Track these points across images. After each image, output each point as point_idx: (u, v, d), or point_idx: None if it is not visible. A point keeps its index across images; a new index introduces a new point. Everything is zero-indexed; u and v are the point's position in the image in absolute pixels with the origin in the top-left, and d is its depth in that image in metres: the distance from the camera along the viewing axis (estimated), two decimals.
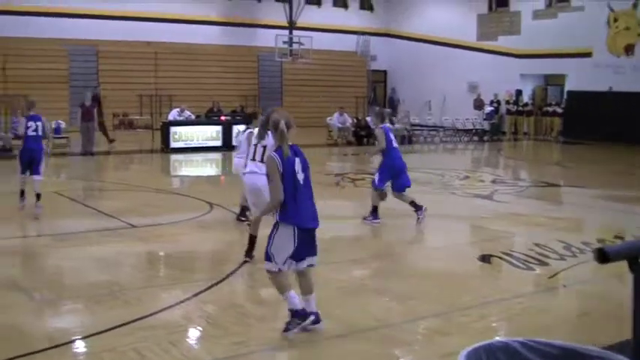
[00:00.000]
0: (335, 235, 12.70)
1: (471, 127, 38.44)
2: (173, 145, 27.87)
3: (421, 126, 38.48)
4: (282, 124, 7.16)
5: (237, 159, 13.86)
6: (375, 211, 13.99)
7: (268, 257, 7.23)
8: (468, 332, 7.56)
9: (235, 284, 9.28)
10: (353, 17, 47.28)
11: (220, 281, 9.34)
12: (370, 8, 48.71)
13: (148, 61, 39.74)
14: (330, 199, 16.20)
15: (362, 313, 8.27)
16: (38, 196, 14.54)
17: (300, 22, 41.49)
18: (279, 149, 7.19)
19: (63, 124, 29.73)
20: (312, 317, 7.36)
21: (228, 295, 8.93)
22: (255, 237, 10.30)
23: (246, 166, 10.90)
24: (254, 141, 10.65)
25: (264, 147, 10.25)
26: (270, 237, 7.24)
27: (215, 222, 13.82)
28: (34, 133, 15.05)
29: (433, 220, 14.11)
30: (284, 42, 40.47)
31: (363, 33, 47.16)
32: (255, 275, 9.67)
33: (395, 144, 14.32)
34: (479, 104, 39.72)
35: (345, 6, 47.50)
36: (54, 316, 8.14)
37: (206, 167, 26.64)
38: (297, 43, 40.70)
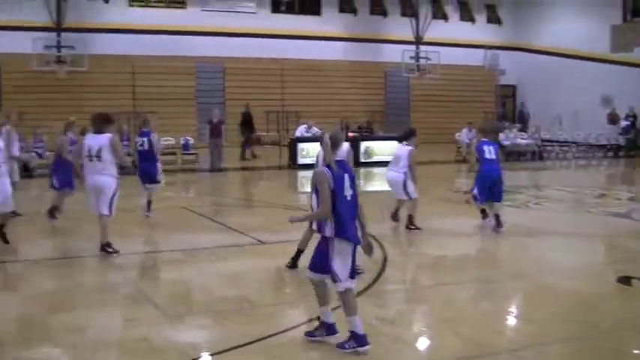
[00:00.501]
0: (464, 253, 12.53)
1: (605, 142, 37.38)
2: (301, 161, 28.04)
3: (552, 141, 37.65)
4: (327, 139, 7.24)
5: (393, 172, 14.83)
6: (497, 219, 14.37)
7: (336, 276, 7.21)
8: (606, 358, 7.30)
9: (365, 303, 9.20)
10: (480, 31, 46.73)
11: None
12: (498, 22, 48.08)
13: (275, 77, 40.16)
14: (458, 217, 16.02)
15: (492, 333, 8.08)
16: (149, 203, 15.99)
17: (426, 37, 41.33)
18: (328, 164, 7.20)
19: (191, 141, 30.34)
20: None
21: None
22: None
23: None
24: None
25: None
26: (328, 255, 7.23)
27: None
28: (141, 148, 16.18)
29: (567, 238, 13.76)
30: (411, 57, 40.37)
31: (491, 47, 46.52)
32: (384, 295, 9.58)
33: (488, 156, 14.58)
34: (613, 118, 38.46)
35: (472, 20, 47.05)
36: (184, 331, 8.21)
37: None
38: (424, 58, 40.52)
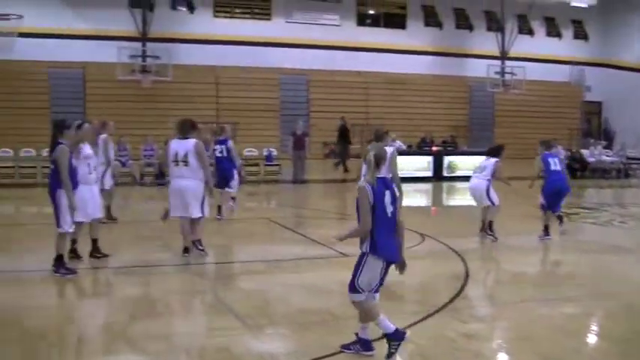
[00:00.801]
0: (545, 270, 12.38)
1: None
2: None
3: (638, 159, 36.92)
4: (371, 156, 7.28)
5: (476, 179, 15.45)
6: (546, 230, 15.04)
7: (355, 289, 7.35)
8: None
9: (446, 318, 9.11)
10: (567, 47, 46.16)
11: (432, 314, 9.21)
12: (585, 37, 47.42)
13: (359, 90, 40.23)
14: (540, 233, 15.84)
15: (573, 352, 7.93)
16: (219, 208, 17.18)
17: (512, 52, 40.97)
18: (369, 181, 7.27)
19: (274, 152, 30.48)
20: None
21: (439, 328, 8.78)
22: None
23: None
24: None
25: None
26: (358, 269, 7.37)
27: (426, 253, 13.65)
28: (220, 155, 17.52)
29: None
30: (496, 72, 40.09)
31: (577, 63, 45.93)
32: (466, 310, 9.49)
33: (553, 167, 15.26)
34: None
35: (558, 35, 46.52)
36: (264, 342, 8.22)
37: (416, 197, 26.57)
38: (509, 73, 40.22)
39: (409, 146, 31.95)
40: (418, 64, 41.81)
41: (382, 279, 7.41)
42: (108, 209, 16.31)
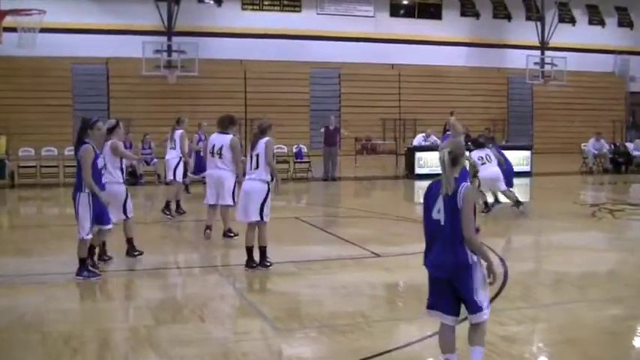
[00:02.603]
0: (588, 270, 12.27)
1: None
2: (418, 171, 27.85)
3: None
4: (445, 153, 6.55)
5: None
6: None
7: (479, 307, 6.73)
8: None
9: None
10: (610, 35, 45.74)
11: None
12: (630, 25, 46.92)
13: (392, 83, 40.18)
14: (582, 231, 15.73)
15: (621, 355, 7.87)
16: None
17: (552, 42, 40.68)
18: (438, 180, 6.65)
19: (304, 149, 30.40)
20: None
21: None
22: None
23: None
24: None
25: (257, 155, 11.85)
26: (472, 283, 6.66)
27: None
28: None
29: None
30: (535, 63, 39.82)
31: (622, 52, 45.52)
32: (506, 312, 9.42)
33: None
34: None
35: (601, 24, 46.08)
36: (294, 346, 8.21)
37: None
38: (549, 64, 39.94)
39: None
40: (454, 56, 41.65)
41: (431, 295, 6.86)
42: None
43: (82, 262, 11.14)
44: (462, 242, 6.46)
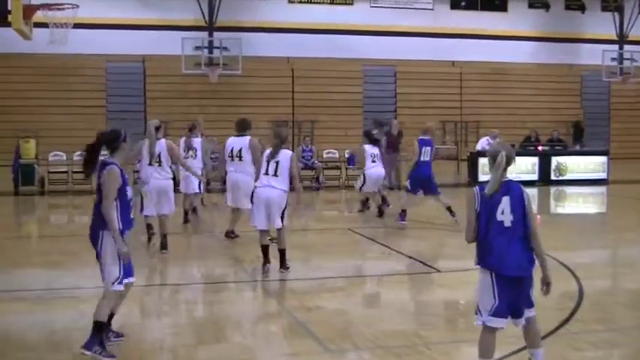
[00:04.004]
0: None
1: None
2: (482, 178, 27.61)
3: None
4: (502, 156, 7.24)
5: None
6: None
7: (477, 308, 7.29)
8: None
9: (556, 344, 8.97)
10: None
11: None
12: None
13: (452, 82, 40.01)
14: None
15: None
16: None
17: (632, 35, 40.16)
18: (482, 185, 7.34)
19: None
20: None
21: (551, 356, 8.60)
22: None
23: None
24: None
25: (277, 162, 12.33)
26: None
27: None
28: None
29: None
30: (612, 59, 39.35)
31: None
32: (581, 335, 9.33)
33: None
34: None
35: None
36: None
37: None
38: (628, 59, 39.44)
39: (511, 145, 31.54)
40: (521, 52, 41.30)
41: (502, 300, 7.11)
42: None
43: (99, 328, 8.40)
44: (527, 239, 7.16)
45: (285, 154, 12.40)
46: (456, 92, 40.16)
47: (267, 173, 12.35)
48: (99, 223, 8.43)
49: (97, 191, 8.54)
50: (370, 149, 19.52)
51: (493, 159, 7.32)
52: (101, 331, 8.39)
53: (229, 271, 13.73)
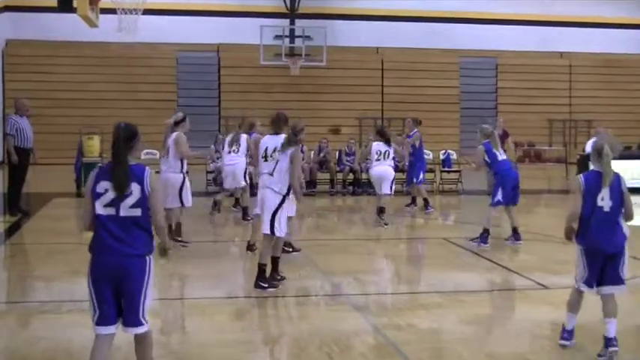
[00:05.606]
0: None
1: None
2: None
3: None
4: (608, 150, 8.84)
5: None
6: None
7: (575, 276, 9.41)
8: None
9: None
10: None
11: None
12: None
13: (561, 76, 39.72)
14: None
15: None
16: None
17: None
18: (590, 172, 9.18)
19: (453, 155, 30.04)
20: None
21: None
22: None
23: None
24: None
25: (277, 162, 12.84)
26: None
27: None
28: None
29: None
30: None
31: None
32: None
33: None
34: None
35: None
36: None
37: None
38: None
39: (627, 147, 31.10)
40: (635, 42, 40.77)
41: (591, 273, 9.11)
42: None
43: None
44: (620, 222, 9.07)
45: (286, 153, 12.75)
46: (565, 87, 39.84)
47: (266, 171, 13.10)
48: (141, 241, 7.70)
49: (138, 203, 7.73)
50: (377, 147, 19.49)
51: (598, 153, 8.89)
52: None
53: (311, 282, 13.70)
